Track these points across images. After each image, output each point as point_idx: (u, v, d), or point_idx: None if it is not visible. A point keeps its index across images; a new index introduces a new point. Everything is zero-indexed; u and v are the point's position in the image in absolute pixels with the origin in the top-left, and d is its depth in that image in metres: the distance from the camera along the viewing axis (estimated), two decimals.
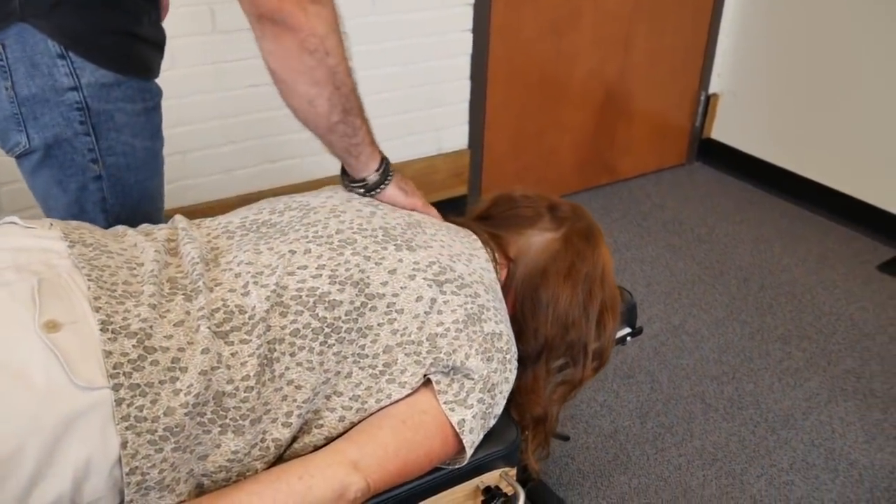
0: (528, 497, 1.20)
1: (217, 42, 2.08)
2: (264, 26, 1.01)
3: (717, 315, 2.33)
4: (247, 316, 0.93)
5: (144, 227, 1.10)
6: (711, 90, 3.25)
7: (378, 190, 1.17)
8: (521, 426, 1.18)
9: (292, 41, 1.00)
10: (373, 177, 1.16)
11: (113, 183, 1.24)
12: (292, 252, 1.00)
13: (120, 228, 1.08)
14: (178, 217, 1.12)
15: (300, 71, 1.03)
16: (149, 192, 1.29)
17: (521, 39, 2.65)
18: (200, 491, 0.90)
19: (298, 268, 0.98)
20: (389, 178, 1.17)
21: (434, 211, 1.23)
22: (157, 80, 1.28)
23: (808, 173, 2.98)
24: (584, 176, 3.07)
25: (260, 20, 1.00)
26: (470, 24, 2.51)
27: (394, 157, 2.52)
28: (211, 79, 2.12)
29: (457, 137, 2.69)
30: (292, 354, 0.93)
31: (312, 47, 1.00)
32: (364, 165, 1.15)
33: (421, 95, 2.53)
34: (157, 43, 1.26)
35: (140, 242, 1.02)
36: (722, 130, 3.30)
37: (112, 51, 1.17)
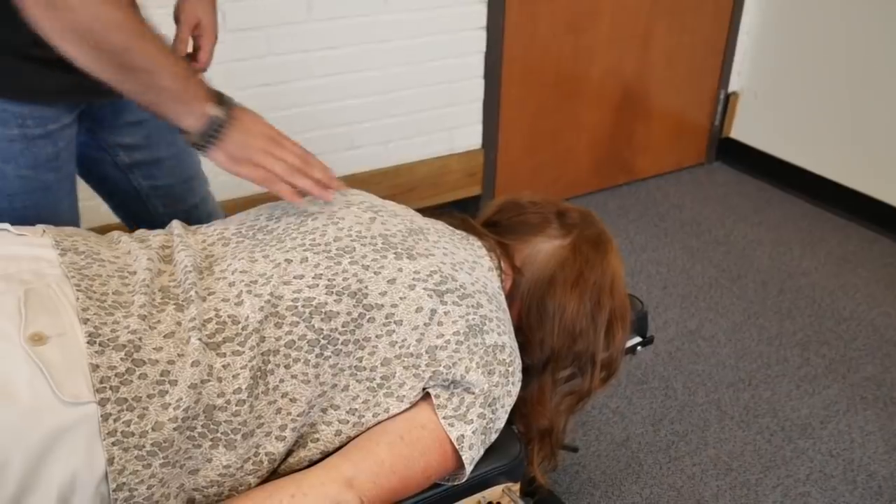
0: None
1: (226, 42, 2.06)
2: None
3: (735, 320, 2.28)
4: (240, 326, 0.90)
5: (140, 232, 1.08)
6: (731, 89, 3.19)
7: (200, 150, 1.05)
8: (526, 438, 1.16)
9: None
10: (190, 135, 1.03)
11: None
12: (288, 261, 0.98)
13: (115, 234, 1.06)
14: (174, 223, 1.10)
15: (48, 28, 0.93)
16: (32, 222, 1.15)
17: (536, 37, 2.61)
18: None
19: (294, 277, 0.96)
20: (213, 140, 1.03)
21: (278, 173, 1.05)
22: None
23: (829, 174, 2.92)
24: (601, 176, 3.03)
25: None
26: (484, 22, 2.48)
27: (406, 157, 2.53)
28: (220, 79, 2.09)
29: (470, 137, 2.65)
30: (287, 366, 0.91)
31: (46, 3, 0.91)
32: (175, 122, 1.03)
33: (434, 94, 2.50)
34: (56, 62, 1.05)
35: (134, 250, 1.00)
36: (742, 130, 3.24)
37: None
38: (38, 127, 1.14)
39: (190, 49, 1.36)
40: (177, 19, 1.33)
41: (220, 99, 1.04)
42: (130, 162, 1.35)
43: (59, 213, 1.23)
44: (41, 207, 1.20)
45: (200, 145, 1.04)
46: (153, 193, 1.40)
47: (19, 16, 1.01)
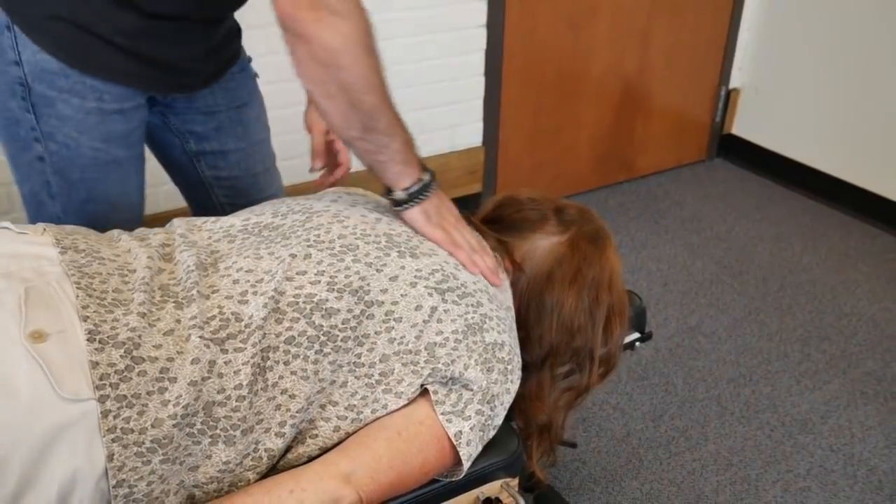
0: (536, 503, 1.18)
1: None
2: (284, 32, 0.99)
3: (735, 316, 2.28)
4: (243, 324, 0.91)
5: (140, 231, 1.09)
6: (732, 85, 3.19)
7: (401, 208, 1.11)
8: (525, 433, 1.16)
9: (304, 51, 0.98)
10: (398, 194, 1.10)
11: (56, 170, 1.21)
12: (293, 256, 0.98)
13: (115, 233, 1.07)
14: (175, 221, 1.11)
15: (312, 81, 1.01)
16: (100, 196, 1.25)
17: (536, 35, 2.61)
18: (192, 503, 0.89)
19: (297, 273, 0.96)
20: (417, 200, 1.10)
21: (462, 244, 1.10)
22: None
23: (830, 169, 2.93)
24: (602, 173, 3.03)
25: (280, 25, 0.99)
26: (484, 20, 2.48)
27: None
28: None
29: (471, 134, 2.66)
30: (286, 363, 0.91)
31: (322, 60, 0.98)
32: (391, 182, 1.10)
33: (435, 92, 2.50)
34: (136, 53, 1.17)
35: (134, 248, 1.00)
36: (743, 126, 3.24)
37: (58, 39, 1.12)
38: (113, 103, 1.19)
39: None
40: (309, 129, 1.45)
41: (425, 167, 1.13)
42: (198, 150, 1.40)
43: (127, 191, 1.29)
44: (110, 182, 1.25)
45: (404, 202, 1.10)
46: (216, 183, 1.45)
47: (108, 4, 1.10)
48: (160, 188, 2.00)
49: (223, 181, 1.45)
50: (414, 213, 1.11)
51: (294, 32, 0.97)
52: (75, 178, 1.22)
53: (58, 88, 1.15)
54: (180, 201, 1.55)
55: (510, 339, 1.03)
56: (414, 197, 1.10)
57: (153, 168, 1.50)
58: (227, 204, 1.46)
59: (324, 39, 0.96)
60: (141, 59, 1.18)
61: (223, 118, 1.39)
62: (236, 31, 1.38)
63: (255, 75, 1.47)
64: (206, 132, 1.38)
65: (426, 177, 1.11)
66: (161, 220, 1.18)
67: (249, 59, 1.45)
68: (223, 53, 1.33)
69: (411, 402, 0.97)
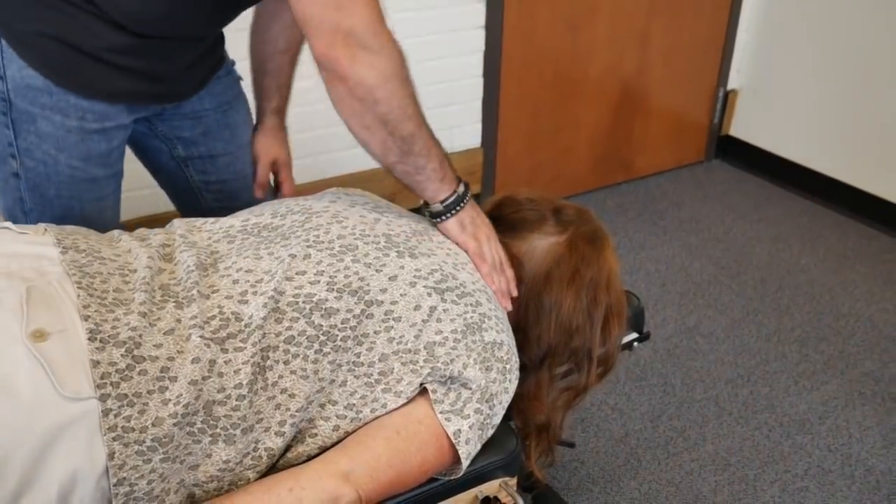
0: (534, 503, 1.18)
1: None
2: (320, 70, 1.02)
3: (733, 316, 2.29)
4: (243, 324, 0.92)
5: (140, 231, 1.09)
6: (730, 86, 3.20)
7: (438, 220, 1.14)
8: (523, 433, 1.17)
9: (341, 88, 1.01)
10: (436, 206, 1.14)
11: (31, 187, 1.21)
12: (292, 256, 0.99)
13: (116, 233, 1.08)
14: (175, 221, 1.11)
15: (349, 115, 1.04)
16: (75, 213, 1.24)
17: (535, 36, 2.62)
18: (192, 501, 0.89)
19: (297, 273, 0.97)
20: (453, 212, 1.13)
21: (488, 258, 1.13)
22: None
23: (828, 170, 2.93)
24: (600, 174, 3.04)
25: (317, 64, 1.02)
26: (483, 21, 2.49)
27: None
28: None
29: (470, 136, 2.66)
30: (286, 362, 0.92)
31: (360, 95, 1.01)
32: (429, 197, 1.14)
33: (433, 93, 2.50)
34: (126, 68, 1.17)
35: (134, 248, 1.01)
36: (741, 127, 3.25)
37: (47, 56, 1.12)
38: (95, 122, 1.19)
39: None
40: (255, 159, 1.48)
41: (460, 179, 1.16)
42: (186, 155, 1.40)
43: (102, 208, 1.29)
44: (85, 200, 1.25)
45: (441, 214, 1.14)
46: (205, 188, 1.45)
47: (98, 22, 1.10)
48: (158, 188, 2.00)
49: (212, 185, 1.45)
50: (450, 223, 1.14)
51: (330, 70, 1.00)
52: (51, 195, 1.22)
53: (40, 105, 1.15)
54: None
55: (508, 338, 1.04)
56: (450, 208, 1.13)
57: None
58: (218, 208, 1.46)
59: (360, 76, 0.99)
60: (132, 73, 1.18)
61: (210, 122, 1.39)
62: (220, 37, 1.38)
63: (240, 78, 1.48)
64: (193, 137, 1.38)
65: (461, 188, 1.14)
66: (161, 220, 1.18)
67: (233, 63, 1.46)
68: (210, 59, 1.34)
69: (410, 401, 0.97)
